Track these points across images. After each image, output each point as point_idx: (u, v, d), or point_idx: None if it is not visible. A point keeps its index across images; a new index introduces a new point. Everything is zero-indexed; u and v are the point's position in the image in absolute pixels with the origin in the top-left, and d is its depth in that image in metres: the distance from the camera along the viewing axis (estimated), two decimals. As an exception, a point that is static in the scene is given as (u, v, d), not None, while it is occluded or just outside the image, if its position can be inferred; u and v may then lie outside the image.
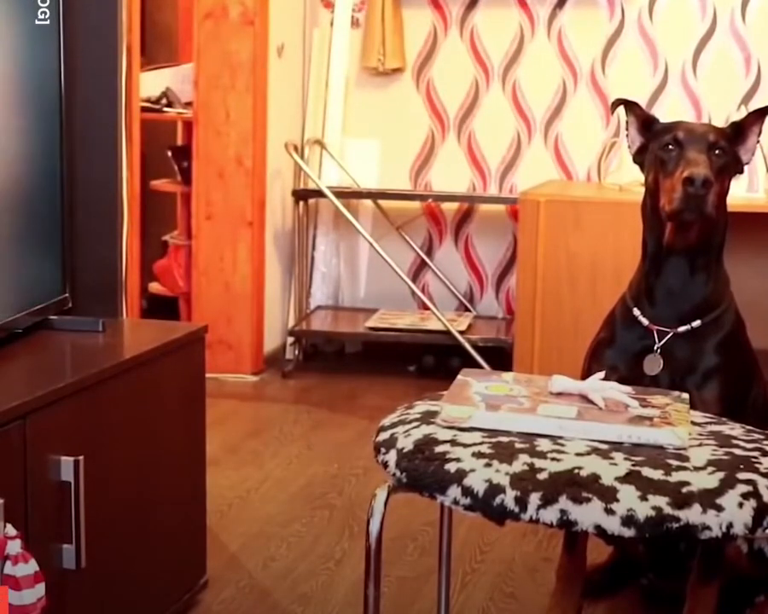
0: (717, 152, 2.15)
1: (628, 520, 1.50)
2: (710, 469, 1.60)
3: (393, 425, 1.79)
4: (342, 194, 4.61)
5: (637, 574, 2.51)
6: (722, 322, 2.19)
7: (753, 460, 1.65)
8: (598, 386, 1.80)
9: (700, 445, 1.70)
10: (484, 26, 4.74)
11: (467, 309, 4.83)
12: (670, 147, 2.17)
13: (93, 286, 2.49)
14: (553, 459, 1.60)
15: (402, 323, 4.61)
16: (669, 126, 2.23)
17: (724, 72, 4.55)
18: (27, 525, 1.78)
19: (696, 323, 2.17)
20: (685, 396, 1.85)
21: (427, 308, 4.62)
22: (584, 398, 1.78)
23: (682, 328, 2.17)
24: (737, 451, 1.68)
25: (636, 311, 2.21)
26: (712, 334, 2.18)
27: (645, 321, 2.19)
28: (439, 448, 1.66)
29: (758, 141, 2.22)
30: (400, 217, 4.80)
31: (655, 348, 2.16)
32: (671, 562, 2.34)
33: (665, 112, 4.60)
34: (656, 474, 1.56)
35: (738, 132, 2.22)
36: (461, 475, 1.59)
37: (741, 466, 1.61)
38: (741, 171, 2.25)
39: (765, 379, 2.33)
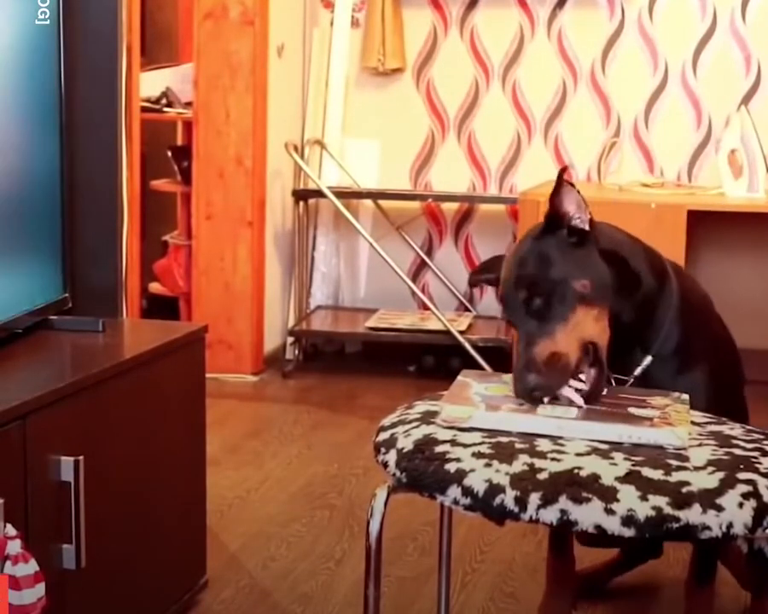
0: (538, 300, 1.82)
1: (628, 520, 1.50)
2: (710, 469, 1.60)
3: (393, 425, 1.79)
4: (342, 194, 4.61)
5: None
6: (673, 337, 2.00)
7: (753, 460, 1.65)
8: None
9: (700, 445, 1.70)
10: (484, 26, 4.74)
11: (467, 309, 4.83)
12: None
13: (93, 286, 2.49)
14: (553, 459, 1.60)
15: (402, 323, 4.61)
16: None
17: (724, 72, 4.55)
18: (27, 525, 1.77)
19: (648, 360, 1.98)
20: (685, 396, 1.85)
21: (427, 308, 4.62)
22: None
23: (638, 371, 1.99)
24: (737, 451, 1.68)
25: None
26: (672, 355, 2.00)
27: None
28: (439, 448, 1.66)
29: (585, 207, 1.89)
30: (400, 217, 4.80)
31: None
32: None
33: (665, 113, 4.61)
34: (656, 474, 1.56)
35: (558, 219, 1.88)
36: (461, 475, 1.59)
37: (741, 466, 1.61)
38: (589, 234, 1.89)
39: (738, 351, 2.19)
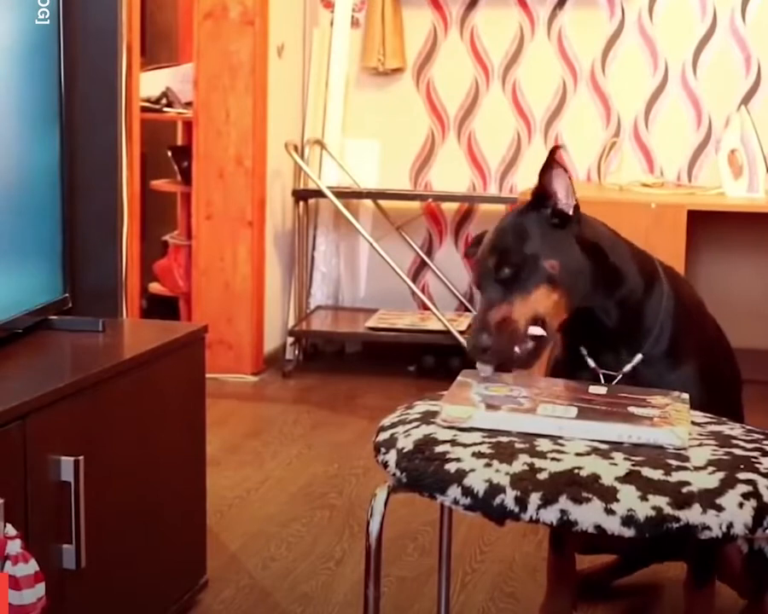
0: (506, 270, 1.88)
1: (628, 520, 1.50)
2: (710, 469, 1.60)
3: (393, 425, 1.79)
4: (342, 194, 4.61)
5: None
6: (664, 339, 2.00)
7: (753, 460, 1.65)
8: None
9: (700, 445, 1.70)
10: (484, 26, 4.74)
11: (467, 309, 4.83)
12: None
13: (93, 286, 2.49)
14: (553, 459, 1.60)
15: (402, 323, 4.61)
16: None
17: (724, 72, 4.55)
18: (27, 525, 1.77)
19: (638, 358, 1.99)
20: (685, 396, 1.85)
21: (427, 308, 4.62)
22: (583, 398, 1.79)
23: (627, 367, 1.99)
24: (737, 451, 1.68)
25: (583, 350, 2.02)
26: (664, 357, 2.01)
27: (591, 363, 2.01)
28: (439, 448, 1.66)
29: (572, 192, 1.92)
30: (400, 217, 4.80)
31: None
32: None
33: (665, 112, 4.61)
34: (656, 474, 1.56)
35: (544, 198, 1.93)
36: (461, 475, 1.59)
37: (742, 466, 1.61)
38: (571, 219, 1.93)
39: (732, 349, 2.19)
